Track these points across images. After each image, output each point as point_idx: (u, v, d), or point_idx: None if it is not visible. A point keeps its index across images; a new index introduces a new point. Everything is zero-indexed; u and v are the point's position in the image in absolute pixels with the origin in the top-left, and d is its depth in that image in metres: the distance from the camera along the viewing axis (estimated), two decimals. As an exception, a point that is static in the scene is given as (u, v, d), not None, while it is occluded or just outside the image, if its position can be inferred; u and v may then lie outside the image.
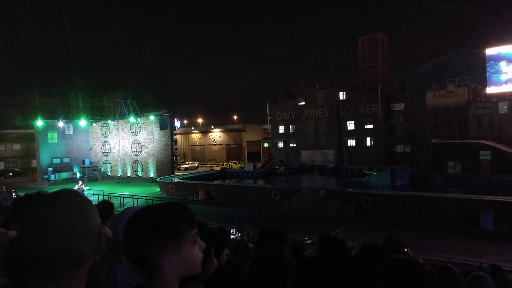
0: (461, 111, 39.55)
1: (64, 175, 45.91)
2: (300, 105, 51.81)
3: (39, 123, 44.57)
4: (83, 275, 1.03)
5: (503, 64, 39.44)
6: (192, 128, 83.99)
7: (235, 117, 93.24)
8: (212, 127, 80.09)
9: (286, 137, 53.54)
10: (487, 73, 40.15)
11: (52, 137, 46.45)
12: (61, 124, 46.44)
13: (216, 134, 77.92)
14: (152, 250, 1.09)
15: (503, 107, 37.13)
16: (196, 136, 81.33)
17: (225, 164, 58.55)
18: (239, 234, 5.47)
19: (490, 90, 39.79)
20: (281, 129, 54.19)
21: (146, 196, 28.63)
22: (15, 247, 1.69)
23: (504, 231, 17.93)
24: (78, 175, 47.37)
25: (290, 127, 53.12)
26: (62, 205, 1.00)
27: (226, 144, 76.21)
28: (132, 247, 1.11)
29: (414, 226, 19.13)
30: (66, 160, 47.51)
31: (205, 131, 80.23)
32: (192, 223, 1.17)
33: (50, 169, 45.23)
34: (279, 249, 1.85)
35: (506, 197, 20.22)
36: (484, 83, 40.67)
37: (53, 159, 46.21)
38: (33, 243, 0.95)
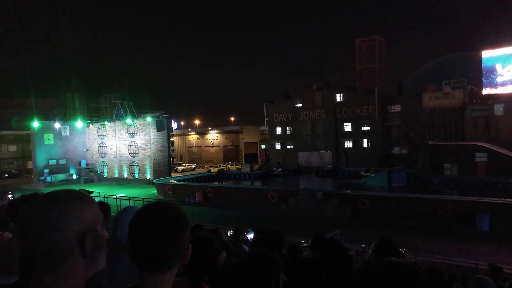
0: (457, 113, 39.73)
1: (60, 176, 45.69)
2: (297, 106, 51.86)
3: (35, 124, 44.37)
4: (70, 276, 1.02)
5: (498, 67, 39.69)
6: (189, 129, 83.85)
7: (232, 118, 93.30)
8: (209, 128, 79.99)
9: (283, 139, 53.56)
10: (483, 75, 40.40)
11: (48, 139, 46.24)
12: (57, 125, 46.28)
13: (213, 136, 77.85)
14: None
15: (498, 109, 37.33)
16: (193, 137, 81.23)
17: (222, 166, 58.48)
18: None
19: (485, 92, 40.02)
20: (278, 130, 54.22)
21: (143, 198, 28.54)
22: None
23: (500, 232, 18.00)
24: (74, 176, 47.21)
25: (287, 129, 53.15)
26: (52, 200, 1.03)
27: (223, 146, 76.14)
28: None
29: (410, 227, 19.15)
30: (62, 161, 47.31)
31: (202, 133, 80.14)
32: None
33: (46, 170, 45.01)
34: (264, 251, 1.87)
35: (502, 199, 20.33)
36: (480, 85, 40.92)
37: (49, 161, 46.00)
38: (22, 236, 1.00)
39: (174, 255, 1.15)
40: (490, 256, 14.44)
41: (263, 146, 70.10)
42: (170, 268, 1.17)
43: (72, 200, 1.05)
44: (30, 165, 53.44)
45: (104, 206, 4.07)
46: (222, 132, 76.68)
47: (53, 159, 46.37)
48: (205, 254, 1.83)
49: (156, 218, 1.16)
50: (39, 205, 1.02)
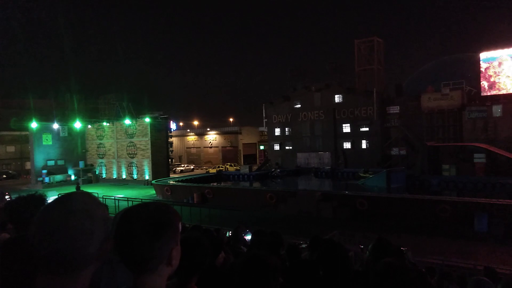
0: (455, 114, 39.83)
1: (59, 177, 45.61)
2: (296, 107, 51.91)
3: (34, 125, 44.27)
4: (87, 279, 1.05)
5: (496, 68, 39.80)
6: (188, 130, 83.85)
7: (231, 119, 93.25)
8: (208, 129, 79.99)
9: (282, 140, 53.59)
10: (481, 77, 40.51)
11: (47, 139, 46.16)
12: (56, 126, 46.17)
13: (212, 137, 77.84)
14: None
15: (497, 110, 37.42)
16: (191, 138, 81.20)
17: (221, 167, 58.46)
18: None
19: (484, 93, 40.14)
20: (277, 131, 54.24)
21: (141, 199, 28.50)
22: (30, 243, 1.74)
23: (498, 233, 18.02)
24: (72, 177, 47.11)
25: (286, 130, 53.18)
26: (74, 205, 1.04)
27: (222, 147, 76.14)
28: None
29: (409, 228, 19.17)
30: (60, 162, 47.22)
31: (201, 134, 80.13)
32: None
33: (44, 171, 44.91)
34: (263, 252, 1.86)
35: (501, 200, 20.37)
36: (478, 86, 41.02)
37: (48, 161, 45.91)
38: (43, 239, 0.99)
39: (152, 256, 1.12)
40: (489, 257, 14.47)
41: (262, 147, 70.10)
42: (151, 270, 1.13)
43: (98, 209, 1.09)
44: (28, 165, 53.33)
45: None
46: (221, 133, 76.68)
47: (52, 160, 46.29)
48: (190, 253, 1.82)
49: (135, 219, 1.15)
50: (69, 213, 1.02)
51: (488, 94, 39.87)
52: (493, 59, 40.08)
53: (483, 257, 14.46)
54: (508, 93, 38.53)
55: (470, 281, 3.53)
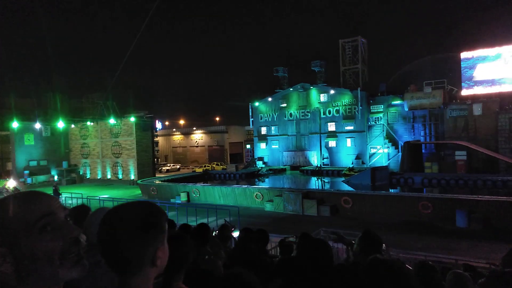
0: (437, 112, 40.74)
1: (41, 178, 44.79)
2: (282, 106, 52.22)
3: (15, 124, 43.23)
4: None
5: (476, 67, 40.85)
6: (174, 129, 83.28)
7: (217, 118, 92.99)
8: (194, 128, 79.62)
9: (268, 139, 53.83)
10: (462, 76, 41.52)
11: (29, 139, 45.25)
12: (38, 125, 45.23)
13: (198, 136, 77.53)
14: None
15: (477, 109, 38.40)
16: (177, 137, 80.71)
17: (207, 166, 58.32)
18: None
19: (464, 92, 41.14)
20: (263, 130, 54.45)
21: (127, 199, 28.25)
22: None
23: (477, 228, 18.55)
24: (56, 178, 46.33)
25: (272, 129, 53.46)
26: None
27: (208, 146, 75.93)
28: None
29: (393, 225, 19.56)
30: (43, 162, 46.36)
31: (187, 133, 79.72)
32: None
33: (26, 172, 44.03)
34: (241, 270, 1.86)
35: (480, 196, 20.95)
36: (459, 85, 42.04)
37: (30, 162, 45.03)
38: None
39: (135, 257, 1.10)
40: (469, 252, 14.90)
41: (248, 146, 70.21)
42: (134, 271, 1.12)
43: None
44: (9, 166, 52.12)
45: (86, 208, 4.02)
46: (207, 132, 76.45)
47: (34, 160, 45.41)
48: (172, 251, 1.82)
49: (117, 219, 1.13)
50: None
51: (469, 93, 40.90)
52: (474, 59, 41.13)
53: (464, 252, 14.87)
54: (487, 93, 39.60)
55: (449, 274, 3.65)
